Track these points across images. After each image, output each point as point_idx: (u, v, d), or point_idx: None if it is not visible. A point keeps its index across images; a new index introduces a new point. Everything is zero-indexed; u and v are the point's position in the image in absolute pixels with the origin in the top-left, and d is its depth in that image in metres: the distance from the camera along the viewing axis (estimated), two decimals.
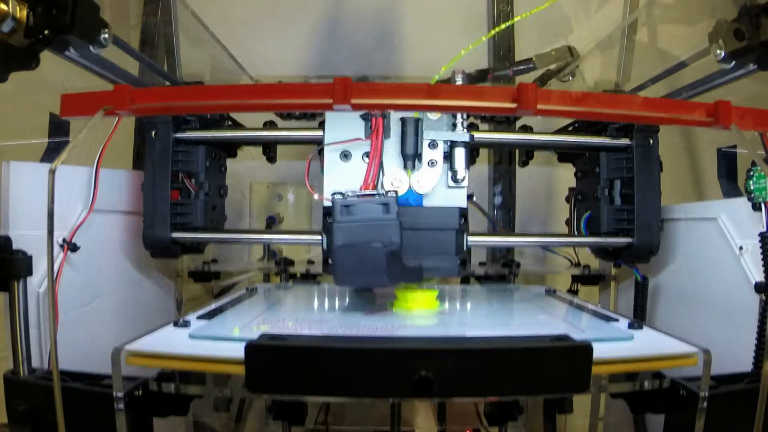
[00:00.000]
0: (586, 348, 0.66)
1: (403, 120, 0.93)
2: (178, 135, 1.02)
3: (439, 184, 0.95)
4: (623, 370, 0.72)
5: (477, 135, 0.99)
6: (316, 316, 0.95)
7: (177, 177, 1.04)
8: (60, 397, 0.67)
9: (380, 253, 0.81)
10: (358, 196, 0.86)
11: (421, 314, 0.92)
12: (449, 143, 0.95)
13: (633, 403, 0.79)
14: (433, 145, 0.94)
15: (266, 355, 0.66)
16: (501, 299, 1.15)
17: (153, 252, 1.05)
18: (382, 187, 0.92)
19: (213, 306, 0.96)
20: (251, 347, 0.65)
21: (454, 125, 0.95)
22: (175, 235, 1.01)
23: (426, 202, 0.95)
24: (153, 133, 1.00)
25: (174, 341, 0.74)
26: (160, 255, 1.07)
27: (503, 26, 1.62)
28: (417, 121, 0.93)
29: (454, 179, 0.95)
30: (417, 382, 0.63)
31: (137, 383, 0.72)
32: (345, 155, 0.94)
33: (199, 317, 0.86)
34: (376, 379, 0.66)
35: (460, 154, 0.94)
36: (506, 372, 0.67)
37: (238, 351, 0.65)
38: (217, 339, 0.74)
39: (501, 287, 1.31)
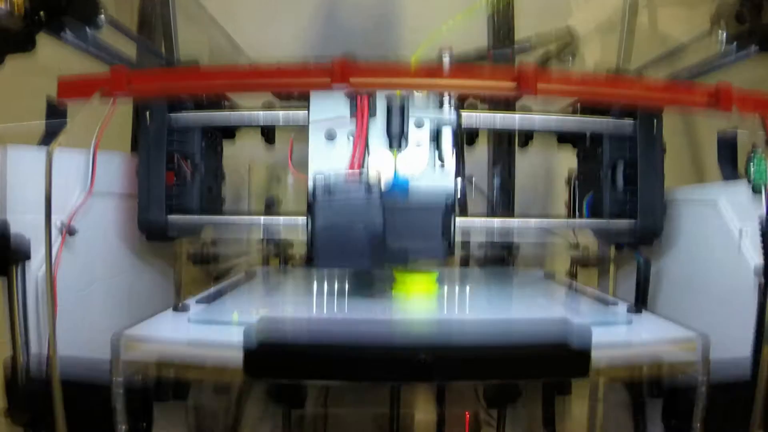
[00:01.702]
0: (584, 332, 0.67)
1: (388, 97, 0.90)
2: (173, 116, 1.00)
3: (426, 166, 0.92)
4: (622, 354, 0.72)
5: (468, 114, 0.96)
6: (315, 299, 0.94)
7: (172, 159, 1.02)
8: (59, 383, 0.67)
9: (362, 233, 0.81)
10: (340, 175, 0.85)
11: (420, 297, 0.92)
12: (436, 123, 0.91)
13: (631, 387, 0.80)
14: (419, 123, 0.91)
15: (265, 340, 0.66)
16: (500, 282, 1.15)
17: (148, 235, 1.03)
18: (369, 167, 0.89)
19: (212, 290, 0.96)
20: (250, 331, 0.65)
21: (441, 104, 0.91)
22: (171, 217, 1.00)
23: (413, 184, 0.91)
24: (147, 114, 0.98)
25: (173, 326, 0.74)
26: (155, 238, 1.04)
27: None
28: (403, 99, 0.89)
29: (441, 160, 0.91)
30: (416, 366, 0.64)
31: (137, 368, 0.72)
32: (330, 135, 0.90)
33: (198, 301, 0.86)
34: (376, 363, 0.66)
35: (447, 134, 0.91)
36: (505, 356, 0.67)
37: (237, 335, 0.65)
38: (216, 324, 0.74)
39: (500, 270, 1.31)
